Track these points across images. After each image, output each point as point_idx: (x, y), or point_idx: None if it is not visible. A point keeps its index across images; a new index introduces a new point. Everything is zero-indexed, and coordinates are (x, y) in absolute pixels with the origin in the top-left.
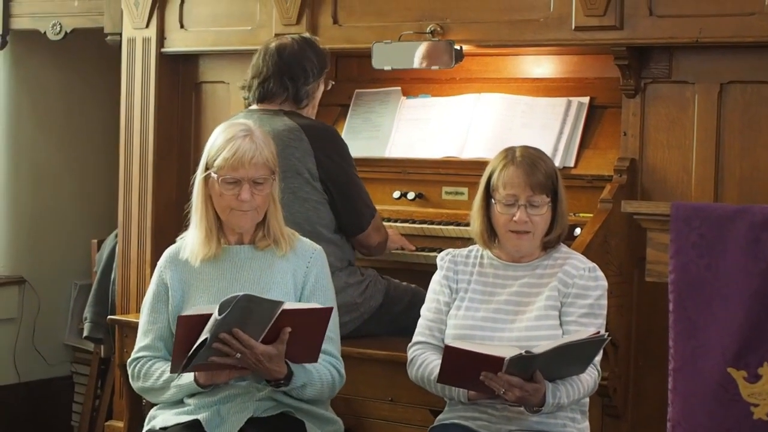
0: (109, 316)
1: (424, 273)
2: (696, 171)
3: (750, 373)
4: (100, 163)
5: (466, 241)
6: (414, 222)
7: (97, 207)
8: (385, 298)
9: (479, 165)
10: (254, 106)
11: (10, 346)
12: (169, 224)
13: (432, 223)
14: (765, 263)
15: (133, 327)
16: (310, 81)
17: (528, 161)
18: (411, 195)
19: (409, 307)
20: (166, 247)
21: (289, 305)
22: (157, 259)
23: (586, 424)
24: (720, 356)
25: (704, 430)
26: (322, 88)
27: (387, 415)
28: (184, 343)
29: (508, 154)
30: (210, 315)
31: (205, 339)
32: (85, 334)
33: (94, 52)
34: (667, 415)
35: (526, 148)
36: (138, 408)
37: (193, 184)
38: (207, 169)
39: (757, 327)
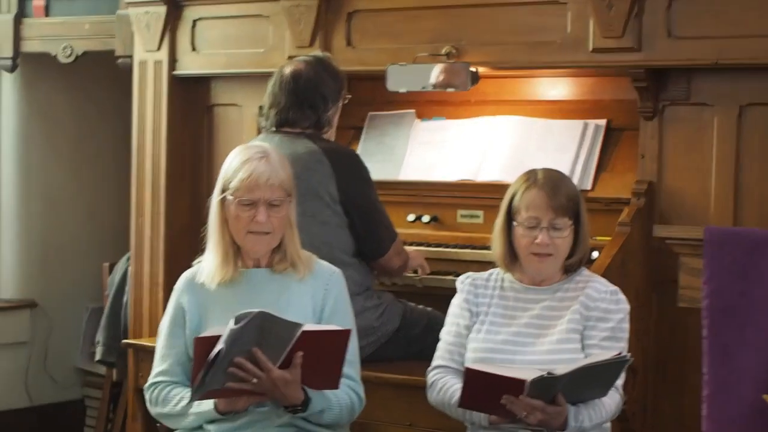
0: (123, 340)
1: (439, 297)
2: (715, 194)
3: None
4: (110, 186)
5: (481, 265)
6: (429, 245)
7: (108, 230)
8: (402, 321)
9: (495, 188)
10: (273, 129)
11: (22, 370)
12: (182, 247)
13: (447, 246)
14: None
15: (148, 351)
16: (329, 106)
17: (551, 183)
18: (426, 218)
19: (425, 331)
20: (179, 270)
21: (309, 327)
22: (170, 282)
23: None
24: (754, 382)
25: None
26: (340, 109)
27: None
28: (202, 364)
29: (531, 176)
30: None
31: (220, 350)
32: (97, 357)
33: (104, 75)
34: None
35: (548, 171)
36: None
37: (208, 207)
38: (223, 191)
39: None
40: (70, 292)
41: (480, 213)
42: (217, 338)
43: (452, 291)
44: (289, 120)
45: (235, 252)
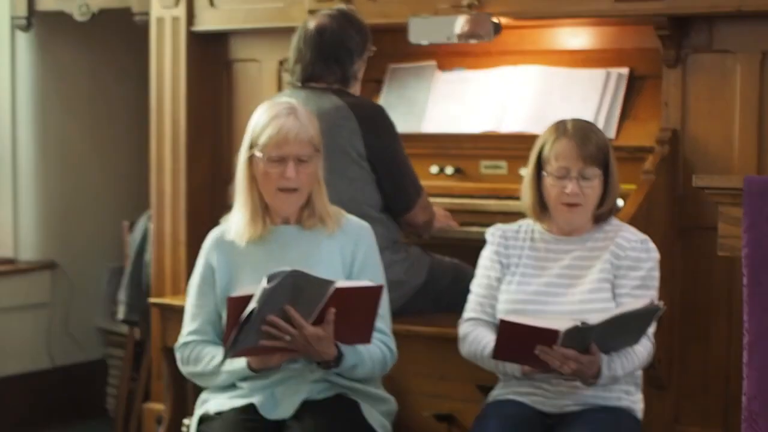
0: (149, 299)
1: (465, 248)
2: (739, 141)
3: None
4: (128, 145)
5: (506, 216)
6: (453, 197)
7: (127, 189)
8: (429, 274)
9: (518, 138)
10: (299, 84)
11: (44, 331)
12: (202, 204)
13: (472, 197)
14: None
15: (174, 309)
16: (355, 60)
17: (580, 133)
18: (449, 170)
19: (453, 283)
20: (201, 227)
21: (341, 283)
22: (192, 239)
23: (640, 395)
24: None
25: None
26: (365, 63)
27: (434, 391)
28: (235, 323)
29: (560, 126)
30: None
31: (253, 309)
32: (120, 317)
33: (121, 32)
34: (743, 391)
35: (578, 121)
36: (181, 390)
37: (235, 164)
38: (251, 148)
39: None
40: (90, 252)
41: (503, 164)
42: (249, 297)
43: (478, 242)
44: (315, 75)
45: (263, 209)
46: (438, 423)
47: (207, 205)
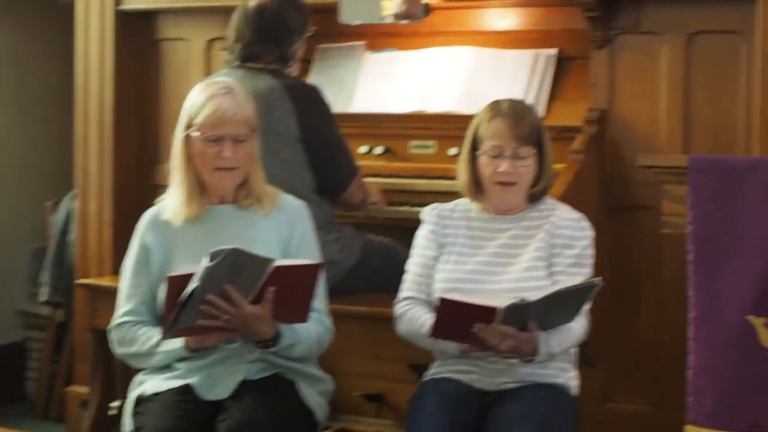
0: (78, 280)
1: (394, 228)
2: (666, 121)
3: None
4: (50, 124)
5: (435, 195)
6: (382, 177)
7: (49, 169)
8: (363, 253)
9: (447, 118)
10: (237, 63)
11: None
12: (129, 184)
13: (401, 177)
14: None
15: (103, 290)
16: (295, 40)
17: (515, 113)
18: (378, 150)
19: (385, 262)
20: (127, 207)
21: (281, 262)
22: (118, 220)
23: (575, 373)
24: (739, 304)
25: (725, 378)
26: (305, 43)
27: (365, 371)
28: (174, 303)
29: (495, 106)
30: None
31: (195, 288)
32: (43, 298)
33: (44, 10)
34: (688, 365)
35: (513, 101)
36: (110, 373)
37: (171, 144)
38: (187, 128)
39: None
40: (9, 232)
41: (432, 143)
42: (189, 276)
43: (407, 222)
44: (253, 54)
45: (200, 188)
46: (368, 402)
47: (133, 185)
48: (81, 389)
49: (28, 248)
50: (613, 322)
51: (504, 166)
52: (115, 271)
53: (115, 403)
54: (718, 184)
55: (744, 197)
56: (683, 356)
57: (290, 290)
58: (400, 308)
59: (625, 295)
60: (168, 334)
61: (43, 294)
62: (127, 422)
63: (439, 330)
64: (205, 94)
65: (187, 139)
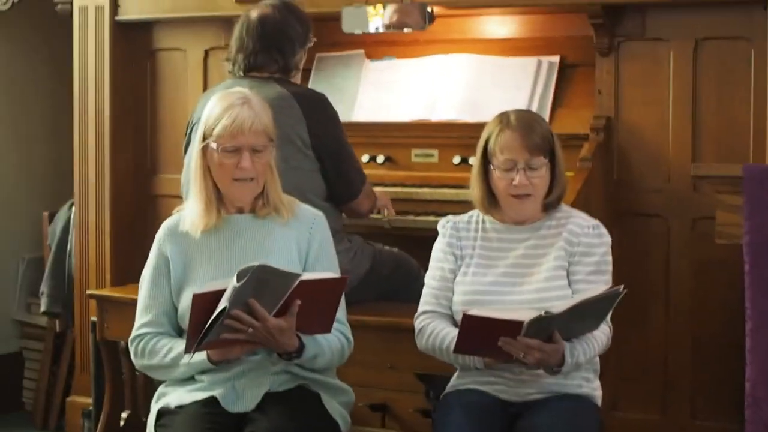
0: (88, 291)
1: (399, 237)
2: (673, 128)
3: None
4: (47, 135)
5: (439, 204)
6: (385, 185)
7: (45, 179)
8: (373, 263)
9: (449, 127)
10: (241, 74)
11: None
12: (127, 194)
13: (403, 185)
14: None
15: (113, 301)
16: (297, 50)
17: (523, 124)
18: (380, 158)
19: (394, 272)
20: (126, 217)
21: (307, 276)
22: (117, 229)
23: (598, 383)
24: None
25: None
26: (307, 52)
27: (372, 381)
28: (200, 320)
29: (503, 118)
30: (224, 290)
31: (224, 308)
32: (42, 308)
33: (40, 20)
34: (746, 376)
35: (521, 112)
36: (119, 384)
37: (188, 156)
38: (205, 139)
39: None
40: (6, 242)
41: (434, 152)
42: (214, 294)
43: (411, 231)
44: (257, 64)
45: (217, 199)
46: (372, 413)
47: (131, 195)
48: (81, 399)
49: (25, 258)
50: (621, 331)
51: (518, 178)
52: (115, 281)
53: (125, 414)
54: None
55: None
56: (690, 364)
57: (315, 303)
58: (420, 322)
59: (632, 302)
60: (195, 350)
61: (43, 305)
62: None
63: (463, 345)
64: (222, 105)
65: (205, 150)
